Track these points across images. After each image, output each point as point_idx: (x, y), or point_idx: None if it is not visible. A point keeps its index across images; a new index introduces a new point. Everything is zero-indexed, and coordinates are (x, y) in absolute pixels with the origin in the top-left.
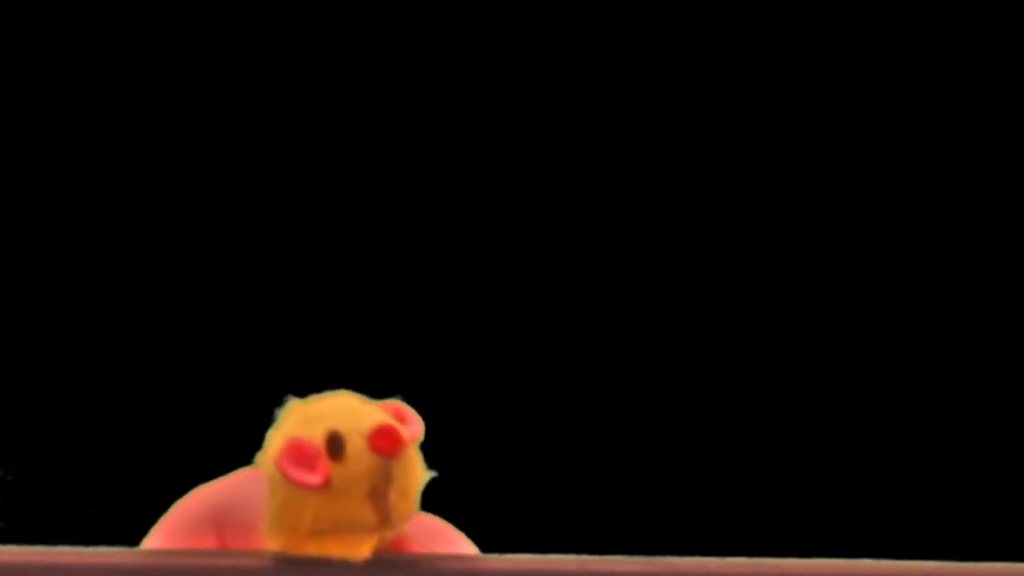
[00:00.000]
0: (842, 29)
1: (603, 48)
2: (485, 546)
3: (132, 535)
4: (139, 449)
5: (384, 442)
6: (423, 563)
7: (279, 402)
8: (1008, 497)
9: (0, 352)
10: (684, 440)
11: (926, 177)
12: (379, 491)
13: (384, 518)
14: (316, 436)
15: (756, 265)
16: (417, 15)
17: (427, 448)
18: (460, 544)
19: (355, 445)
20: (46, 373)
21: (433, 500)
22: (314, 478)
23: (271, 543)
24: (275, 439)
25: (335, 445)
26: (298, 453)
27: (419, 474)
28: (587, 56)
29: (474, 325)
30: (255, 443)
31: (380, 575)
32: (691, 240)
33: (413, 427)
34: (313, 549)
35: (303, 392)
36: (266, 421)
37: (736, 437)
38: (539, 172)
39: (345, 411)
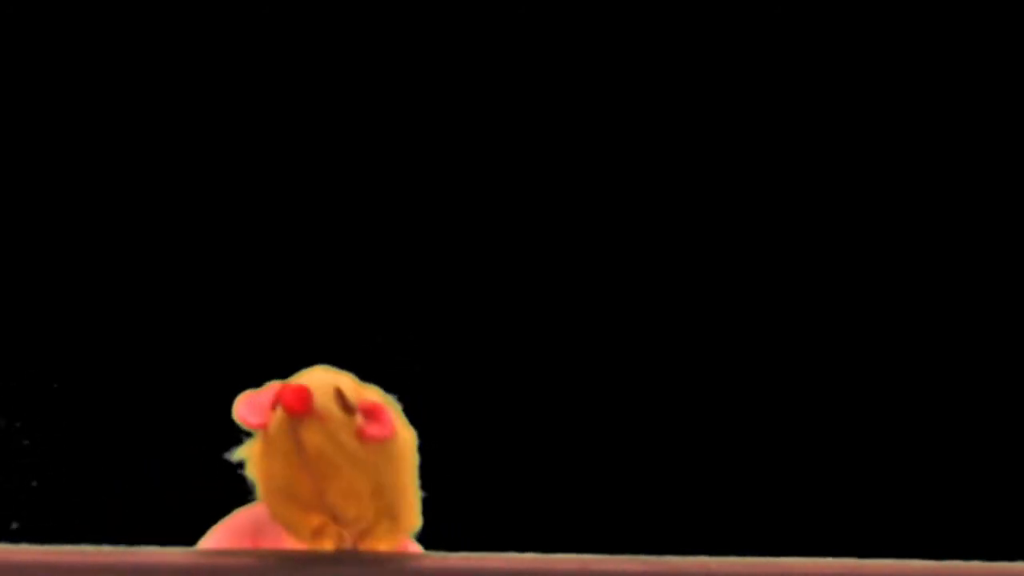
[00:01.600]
0: (842, 29)
1: (603, 48)
2: (487, 545)
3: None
4: (142, 450)
5: (286, 398)
6: (425, 561)
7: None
8: (1008, 497)
9: (5, 355)
10: (684, 440)
11: (926, 177)
12: (292, 456)
13: (319, 501)
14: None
15: (756, 265)
16: (417, 15)
17: (428, 448)
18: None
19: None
20: (43, 379)
21: (435, 500)
22: (255, 418)
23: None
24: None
25: (277, 400)
26: (256, 396)
27: (370, 474)
28: (587, 56)
29: (476, 326)
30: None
31: (380, 573)
32: (691, 241)
33: (375, 427)
34: (277, 509)
35: None
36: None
37: (736, 437)
38: (538, 173)
39: (319, 379)
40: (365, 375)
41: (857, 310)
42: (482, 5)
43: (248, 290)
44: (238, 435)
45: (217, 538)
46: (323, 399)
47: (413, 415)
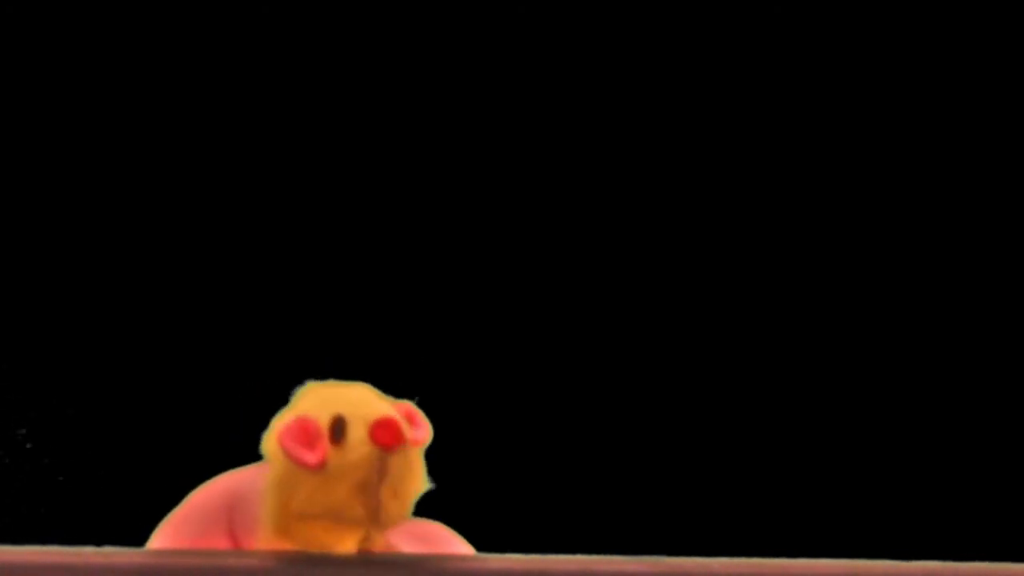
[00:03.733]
0: (842, 29)
1: (603, 48)
2: (485, 546)
3: (134, 534)
4: (144, 447)
5: (384, 434)
6: (423, 563)
7: (278, 400)
8: (1008, 497)
9: (7, 352)
10: (684, 440)
11: (926, 177)
12: (371, 485)
13: (372, 514)
14: (322, 418)
15: (756, 265)
16: (417, 15)
17: (429, 447)
18: (459, 549)
19: (356, 433)
20: (49, 371)
21: (433, 499)
22: (311, 457)
23: (264, 518)
24: (284, 416)
25: (337, 429)
26: (301, 431)
27: (417, 480)
28: (587, 56)
29: (474, 326)
30: (255, 441)
31: (381, 574)
32: (691, 240)
33: (420, 431)
34: (299, 531)
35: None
36: (266, 420)
37: (736, 437)
38: (539, 172)
39: (356, 399)
40: (365, 374)
41: (857, 310)
42: (482, 5)
43: (246, 289)
44: (239, 435)
45: (186, 519)
46: (403, 424)
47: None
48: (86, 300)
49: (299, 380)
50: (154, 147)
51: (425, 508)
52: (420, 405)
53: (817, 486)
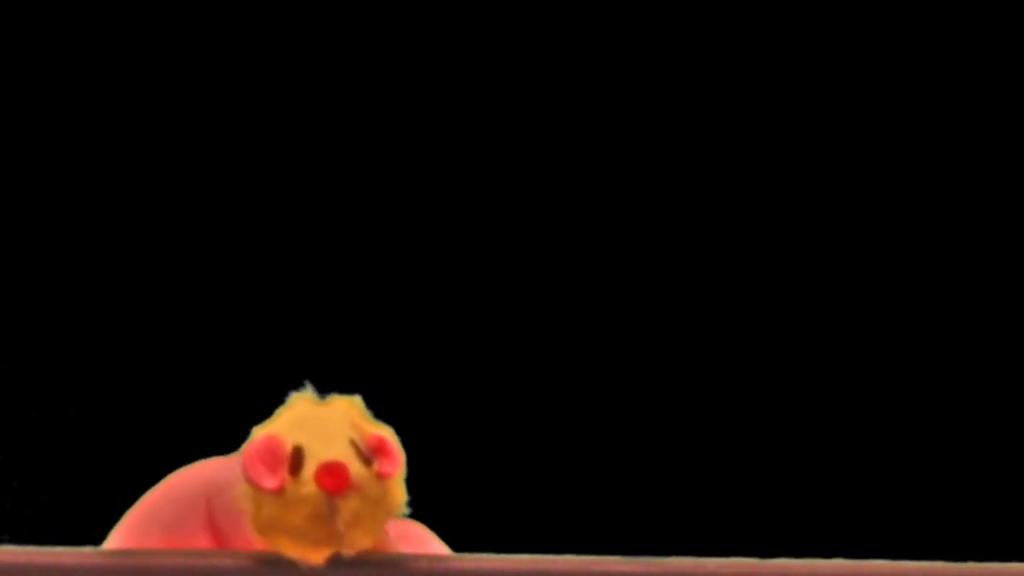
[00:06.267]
0: (842, 29)
1: (603, 48)
2: (484, 546)
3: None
4: (133, 447)
5: (327, 479)
6: (420, 563)
7: (263, 400)
8: (1008, 497)
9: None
10: (684, 440)
11: (926, 177)
12: (323, 517)
13: (334, 540)
14: (288, 442)
15: (756, 265)
16: (417, 15)
17: (423, 446)
18: (435, 549)
19: (308, 470)
20: (43, 375)
21: (433, 498)
22: (270, 482)
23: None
24: (263, 429)
25: (295, 460)
26: (268, 452)
27: (383, 510)
28: (586, 56)
29: (473, 324)
30: (236, 440)
31: (381, 574)
32: (689, 239)
33: (387, 464)
34: (270, 539)
35: (287, 386)
36: (248, 419)
37: (736, 437)
38: (528, 170)
39: (323, 429)
40: (357, 371)
41: (856, 310)
42: (481, 5)
43: (232, 287)
44: (221, 433)
45: (164, 500)
46: (355, 467)
47: (410, 412)
48: (72, 305)
49: (286, 381)
50: (149, 150)
51: (424, 505)
52: (407, 404)
53: (815, 486)
